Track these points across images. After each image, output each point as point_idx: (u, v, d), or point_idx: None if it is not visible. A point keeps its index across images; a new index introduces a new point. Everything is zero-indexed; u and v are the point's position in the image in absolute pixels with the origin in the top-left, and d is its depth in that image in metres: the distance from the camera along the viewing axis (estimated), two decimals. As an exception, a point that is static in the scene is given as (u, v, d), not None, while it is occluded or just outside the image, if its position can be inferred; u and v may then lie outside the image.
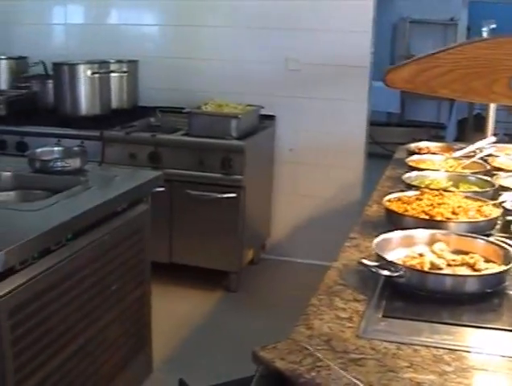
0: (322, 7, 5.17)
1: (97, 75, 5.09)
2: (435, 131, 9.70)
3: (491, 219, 2.37)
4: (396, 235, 2.17)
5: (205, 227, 4.83)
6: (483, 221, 2.35)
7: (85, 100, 5.12)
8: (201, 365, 4.01)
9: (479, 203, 2.50)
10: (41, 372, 2.66)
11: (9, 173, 3.44)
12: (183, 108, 5.07)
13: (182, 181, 4.75)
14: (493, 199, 2.59)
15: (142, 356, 3.67)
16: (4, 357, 2.42)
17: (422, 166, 3.25)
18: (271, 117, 5.36)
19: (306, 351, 1.58)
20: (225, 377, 3.84)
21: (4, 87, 5.83)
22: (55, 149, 3.66)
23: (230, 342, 4.30)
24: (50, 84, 5.47)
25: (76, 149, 3.88)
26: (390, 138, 8.98)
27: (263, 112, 5.23)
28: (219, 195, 4.71)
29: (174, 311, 4.62)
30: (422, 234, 2.20)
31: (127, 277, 3.30)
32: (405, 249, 2.13)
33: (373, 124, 5.57)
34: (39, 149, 3.62)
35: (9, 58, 5.94)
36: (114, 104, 5.37)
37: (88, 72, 5.05)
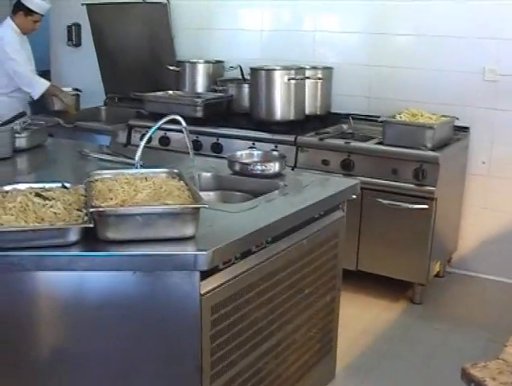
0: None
1: (292, 82, 5.17)
2: None
3: None
4: None
5: (394, 236, 4.79)
6: None
7: (280, 105, 5.22)
8: (383, 374, 4.00)
9: None
10: (233, 369, 2.75)
11: (209, 174, 3.57)
12: (376, 117, 5.08)
13: (373, 189, 4.74)
14: None
15: (326, 361, 3.69)
16: (203, 351, 2.51)
17: None
18: (465, 129, 5.24)
19: (517, 372, 1.55)
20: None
21: (201, 90, 6.05)
22: (255, 152, 3.76)
23: (413, 353, 4.25)
24: (246, 88, 5.64)
25: (275, 153, 3.97)
26: None
27: (457, 123, 5.11)
28: (410, 206, 4.66)
29: (357, 318, 4.62)
30: None
31: (319, 282, 3.34)
32: None
33: None
34: (238, 152, 3.72)
35: (206, 62, 6.16)
36: (308, 109, 5.43)
37: (285, 78, 5.14)
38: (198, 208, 2.42)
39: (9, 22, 6.10)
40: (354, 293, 4.86)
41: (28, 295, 2.51)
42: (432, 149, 4.66)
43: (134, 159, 3.21)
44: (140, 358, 2.54)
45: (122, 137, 5.70)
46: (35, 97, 6.09)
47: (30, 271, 2.43)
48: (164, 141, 5.40)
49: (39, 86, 6.05)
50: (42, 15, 6.12)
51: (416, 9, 5.38)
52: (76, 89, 6.48)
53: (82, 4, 6.66)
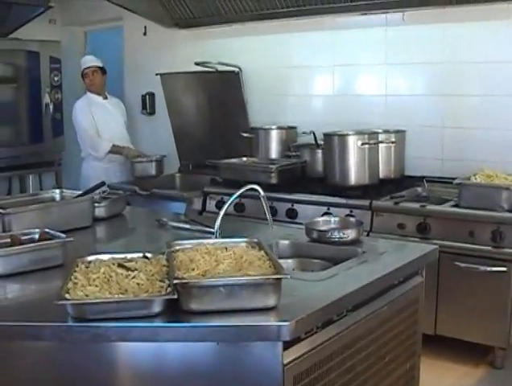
0: None
1: (366, 146, 5.21)
2: None
3: None
4: None
5: (472, 299, 4.72)
6: None
7: (354, 170, 5.26)
8: None
9: None
10: None
11: (287, 241, 3.59)
12: (450, 178, 5.06)
13: (451, 253, 4.69)
14: None
15: (407, 429, 3.63)
16: (286, 422, 2.50)
17: None
18: (541, 188, 5.18)
19: None
20: None
21: (275, 156, 6.13)
22: (332, 219, 3.77)
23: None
24: (319, 153, 5.68)
25: (352, 219, 3.97)
26: None
27: (533, 183, 5.06)
28: (488, 269, 4.60)
29: (436, 385, 4.52)
30: None
31: (400, 348, 3.30)
32: None
33: None
34: (316, 219, 3.74)
35: (279, 128, 6.25)
36: (382, 173, 5.46)
37: (358, 143, 5.18)
38: (280, 279, 2.44)
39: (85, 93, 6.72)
40: (433, 358, 4.76)
41: (112, 365, 2.55)
42: (509, 210, 4.62)
43: (211, 227, 3.25)
44: (222, 428, 2.54)
45: (197, 205, 5.79)
46: (101, 157, 6.44)
47: (115, 342, 2.47)
48: (239, 207, 5.45)
49: (103, 147, 6.45)
50: (88, 68, 6.71)
51: (484, 69, 5.39)
52: (162, 156, 6.64)
53: (156, 74, 6.85)
